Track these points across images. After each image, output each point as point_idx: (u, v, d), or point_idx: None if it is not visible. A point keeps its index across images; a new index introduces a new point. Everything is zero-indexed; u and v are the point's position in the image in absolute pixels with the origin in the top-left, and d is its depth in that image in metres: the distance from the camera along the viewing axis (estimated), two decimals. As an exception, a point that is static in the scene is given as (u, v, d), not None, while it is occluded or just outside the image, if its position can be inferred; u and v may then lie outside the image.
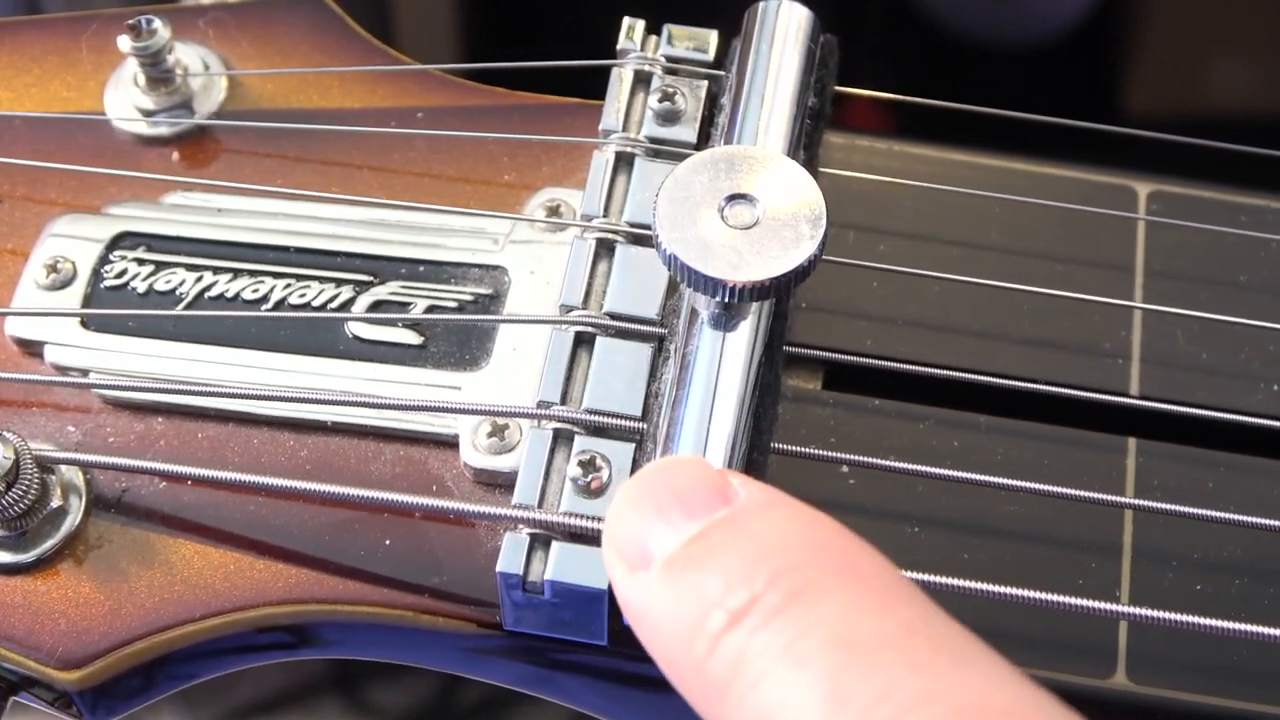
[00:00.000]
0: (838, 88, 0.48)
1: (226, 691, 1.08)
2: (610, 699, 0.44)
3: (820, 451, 0.42)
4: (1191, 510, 0.41)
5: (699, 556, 0.33)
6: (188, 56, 0.49)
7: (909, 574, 0.38)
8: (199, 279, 0.46)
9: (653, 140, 0.46)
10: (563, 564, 0.39)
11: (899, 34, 1.10)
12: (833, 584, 0.31)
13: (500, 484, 0.42)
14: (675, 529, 0.33)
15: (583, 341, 0.42)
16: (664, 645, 0.33)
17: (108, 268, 0.46)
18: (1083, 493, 0.41)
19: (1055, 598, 0.38)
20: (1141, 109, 1.05)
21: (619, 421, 0.41)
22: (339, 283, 0.46)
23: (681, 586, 0.32)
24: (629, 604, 0.34)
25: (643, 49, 0.47)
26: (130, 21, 0.47)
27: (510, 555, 0.39)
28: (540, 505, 0.40)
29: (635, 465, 0.40)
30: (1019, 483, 0.41)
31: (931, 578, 0.38)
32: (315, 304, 0.45)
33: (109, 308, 0.45)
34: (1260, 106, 1.05)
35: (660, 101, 0.46)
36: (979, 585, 0.38)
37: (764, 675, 0.30)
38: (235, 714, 1.09)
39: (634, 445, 0.40)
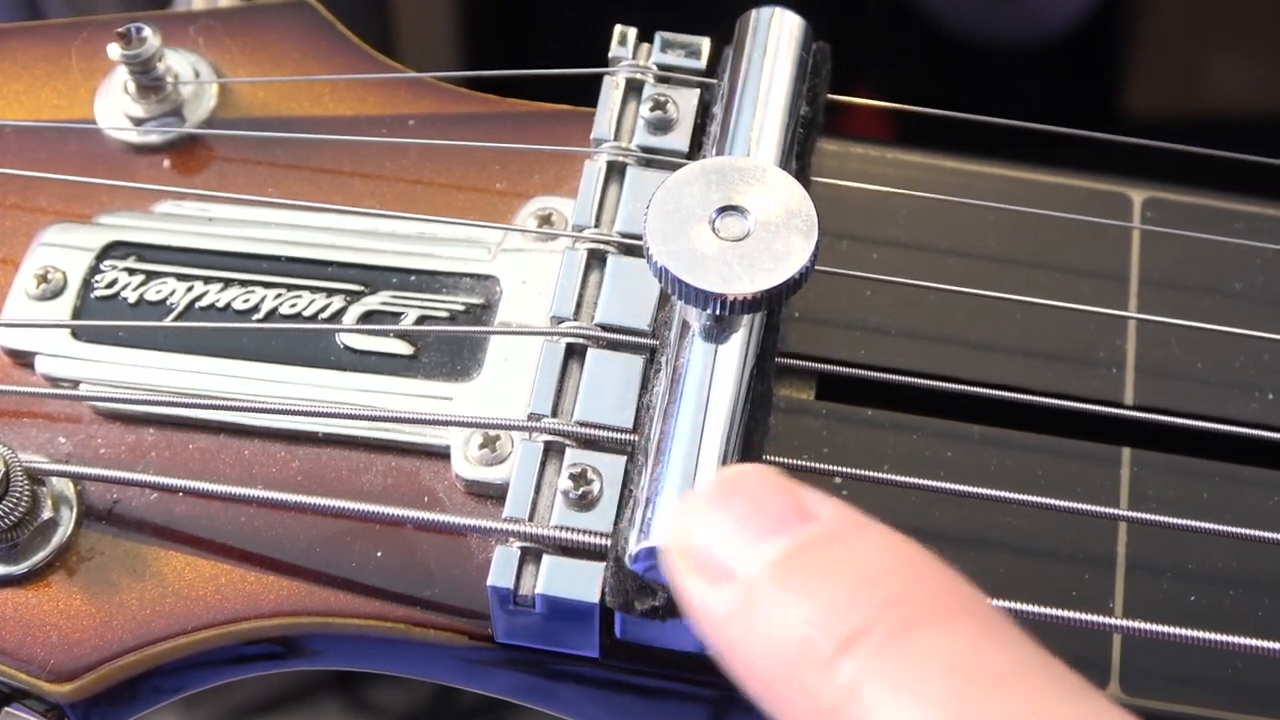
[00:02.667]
0: (832, 96, 0.47)
1: (226, 692, 1.08)
2: (606, 708, 0.44)
3: (813, 464, 0.42)
4: (1186, 523, 0.41)
5: (799, 575, 0.32)
6: (178, 64, 0.49)
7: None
8: (190, 289, 0.46)
9: (644, 149, 0.45)
10: (553, 578, 0.39)
11: (898, 34, 1.10)
12: (945, 616, 0.31)
13: (492, 495, 0.42)
14: (762, 543, 0.32)
15: (574, 353, 0.42)
16: (757, 665, 0.32)
17: (98, 278, 0.46)
18: (1076, 505, 0.41)
19: (1048, 610, 0.38)
20: (1141, 110, 1.05)
21: (610, 434, 0.41)
22: (330, 293, 0.45)
23: (783, 606, 0.31)
24: (711, 617, 0.33)
25: (635, 57, 0.47)
26: (120, 29, 0.47)
27: (501, 569, 0.39)
28: (531, 518, 0.40)
29: (626, 478, 0.40)
30: (1013, 494, 0.41)
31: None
32: (306, 314, 0.45)
33: (100, 318, 0.45)
34: (1261, 107, 1.05)
35: (652, 110, 0.46)
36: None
37: (880, 704, 0.30)
38: (235, 714, 1.09)
39: (625, 458, 0.40)
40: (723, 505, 0.33)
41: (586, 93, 0.47)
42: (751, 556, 0.32)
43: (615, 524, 0.39)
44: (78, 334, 0.45)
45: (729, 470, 0.35)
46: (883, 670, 0.30)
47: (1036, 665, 0.31)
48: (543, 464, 0.40)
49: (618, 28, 0.47)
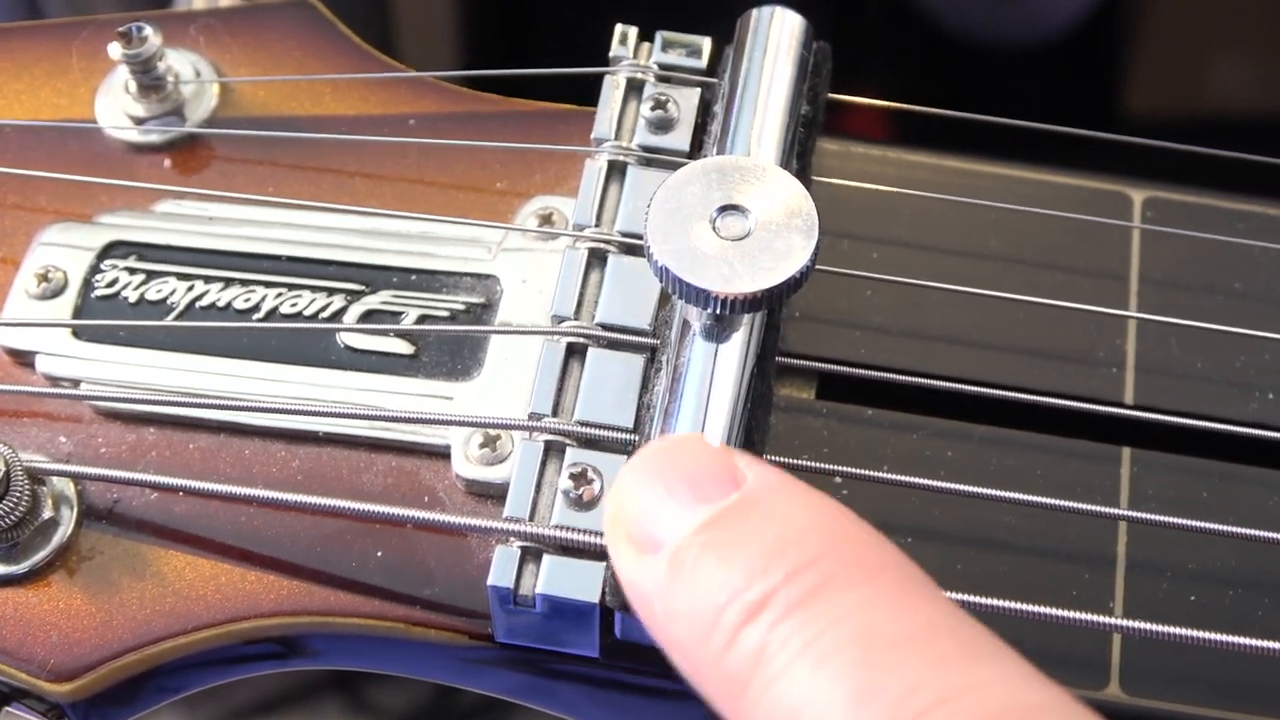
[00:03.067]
0: (833, 95, 0.47)
1: (227, 692, 1.08)
2: (606, 708, 0.44)
3: (813, 463, 0.42)
4: (1186, 522, 0.41)
5: (714, 544, 0.32)
6: (179, 63, 0.49)
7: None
8: (190, 288, 0.46)
9: (645, 148, 0.45)
10: (554, 577, 0.39)
11: (898, 34, 1.10)
12: (854, 579, 0.31)
13: (492, 495, 0.42)
14: (687, 512, 0.33)
15: (574, 352, 0.42)
16: (677, 635, 0.32)
17: (99, 277, 0.46)
18: (1077, 504, 0.41)
19: (1049, 610, 0.38)
20: (1141, 110, 1.05)
21: (611, 434, 0.41)
22: (331, 292, 0.45)
23: (697, 575, 0.32)
24: (637, 589, 0.33)
25: (635, 56, 0.47)
26: (121, 29, 0.47)
27: (501, 568, 0.39)
28: (531, 518, 0.40)
29: (627, 477, 0.40)
30: (1013, 494, 0.41)
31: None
32: (307, 314, 0.45)
33: (100, 317, 0.45)
34: (1261, 107, 1.05)
35: (653, 109, 0.46)
36: (972, 598, 0.38)
37: (785, 671, 0.30)
38: (236, 714, 1.09)
39: (626, 457, 0.40)
40: (654, 474, 0.33)
41: (587, 92, 0.47)
42: (676, 525, 0.32)
43: (616, 523, 0.39)
44: (78, 333, 0.45)
45: (663, 439, 0.35)
46: (789, 637, 0.30)
47: (947, 627, 0.30)
48: (543, 463, 0.40)
49: (618, 27, 0.47)
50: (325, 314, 0.45)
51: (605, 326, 0.42)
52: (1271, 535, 0.41)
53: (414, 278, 0.46)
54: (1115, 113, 1.05)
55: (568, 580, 0.39)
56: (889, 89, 1.03)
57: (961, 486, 0.41)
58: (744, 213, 0.38)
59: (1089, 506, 0.41)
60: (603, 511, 0.35)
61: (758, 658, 0.30)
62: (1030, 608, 0.38)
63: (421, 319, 0.45)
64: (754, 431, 0.39)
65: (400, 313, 0.45)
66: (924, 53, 1.10)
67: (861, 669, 0.29)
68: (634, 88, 0.47)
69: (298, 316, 0.45)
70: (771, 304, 0.38)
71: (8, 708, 0.42)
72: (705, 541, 0.32)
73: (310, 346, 0.44)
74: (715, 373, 0.39)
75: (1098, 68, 1.07)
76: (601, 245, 0.44)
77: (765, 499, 0.33)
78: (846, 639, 0.30)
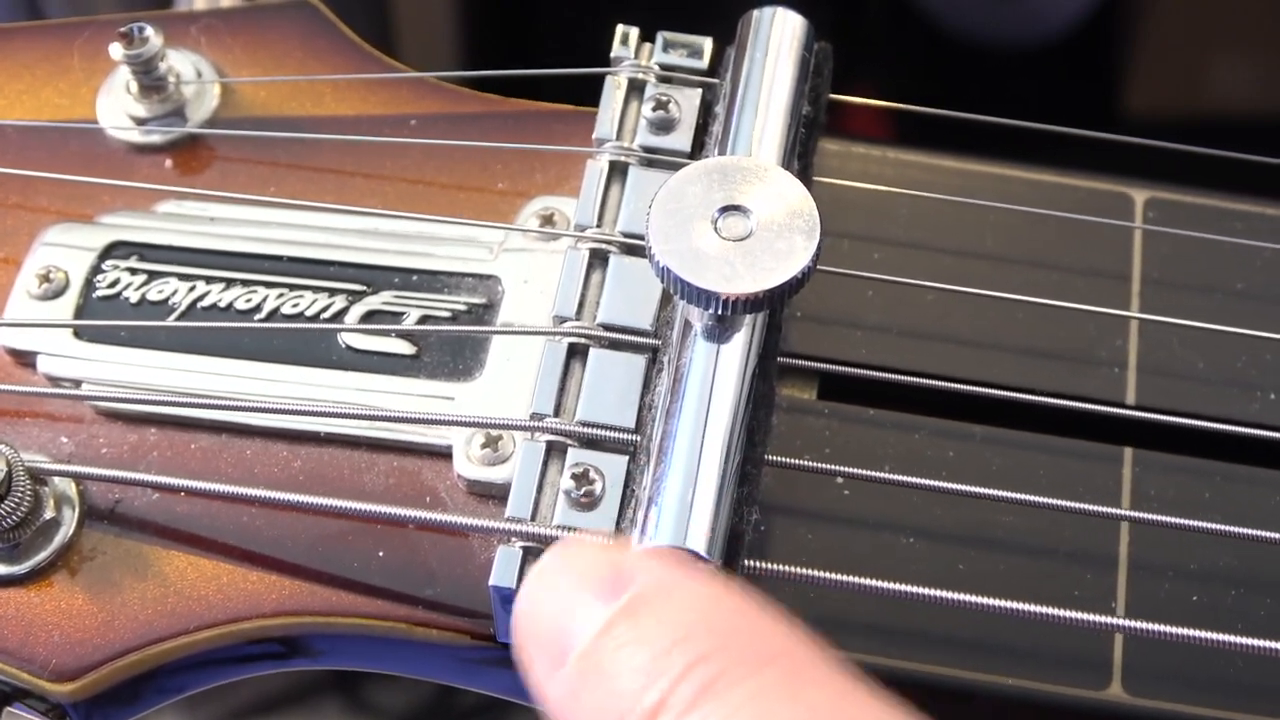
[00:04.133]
0: (834, 95, 0.47)
1: (227, 692, 1.08)
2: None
3: (815, 463, 0.42)
4: (1188, 522, 0.41)
5: (608, 651, 0.32)
6: (180, 64, 0.49)
7: (903, 586, 0.38)
8: (192, 289, 0.46)
9: (646, 149, 0.45)
10: (556, 577, 0.39)
11: (899, 34, 1.10)
12: (742, 672, 0.31)
13: (494, 495, 0.42)
14: (585, 619, 0.33)
15: (576, 353, 0.42)
16: None
17: (100, 277, 0.46)
18: (1078, 505, 0.41)
19: (1050, 610, 0.38)
20: (1141, 110, 1.05)
21: (612, 434, 0.41)
22: (332, 292, 0.45)
23: (597, 686, 0.32)
24: (550, 704, 0.33)
25: (636, 57, 0.47)
26: (122, 29, 0.47)
27: (503, 568, 0.39)
28: (533, 518, 0.40)
29: (629, 478, 0.40)
30: (1015, 494, 0.41)
31: (927, 590, 0.38)
32: (308, 314, 0.45)
33: (101, 318, 0.45)
34: (1261, 107, 1.05)
35: (654, 110, 0.46)
36: (974, 598, 0.38)
37: None
38: (236, 714, 1.08)
39: (627, 458, 0.40)
40: (555, 581, 0.34)
41: (588, 93, 0.47)
42: (577, 634, 0.33)
43: (617, 524, 0.39)
44: (80, 334, 0.45)
45: (560, 543, 0.35)
46: None
47: (836, 711, 0.30)
48: (545, 464, 0.40)
49: (619, 27, 0.47)
50: (327, 314, 0.45)
51: (607, 327, 0.42)
52: (1273, 535, 0.41)
53: (415, 278, 0.46)
54: (1115, 113, 1.05)
55: (570, 580, 0.38)
56: (889, 89, 1.03)
57: (963, 486, 0.41)
58: (745, 213, 0.38)
59: (1091, 507, 0.41)
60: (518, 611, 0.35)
61: None
62: (1032, 608, 0.38)
63: (423, 319, 0.45)
64: (755, 432, 0.39)
65: (402, 313, 0.45)
66: (924, 53, 1.10)
67: None
68: (635, 88, 0.47)
69: (299, 317, 0.45)
70: (773, 304, 0.38)
71: (9, 708, 0.42)
72: (600, 648, 0.32)
73: (312, 347, 0.44)
74: (717, 373, 0.39)
75: (1098, 68, 1.07)
76: (603, 246, 0.44)
77: (652, 599, 0.33)
78: None
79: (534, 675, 0.34)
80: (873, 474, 0.42)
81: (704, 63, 0.47)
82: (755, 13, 0.46)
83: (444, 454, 0.43)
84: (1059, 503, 0.41)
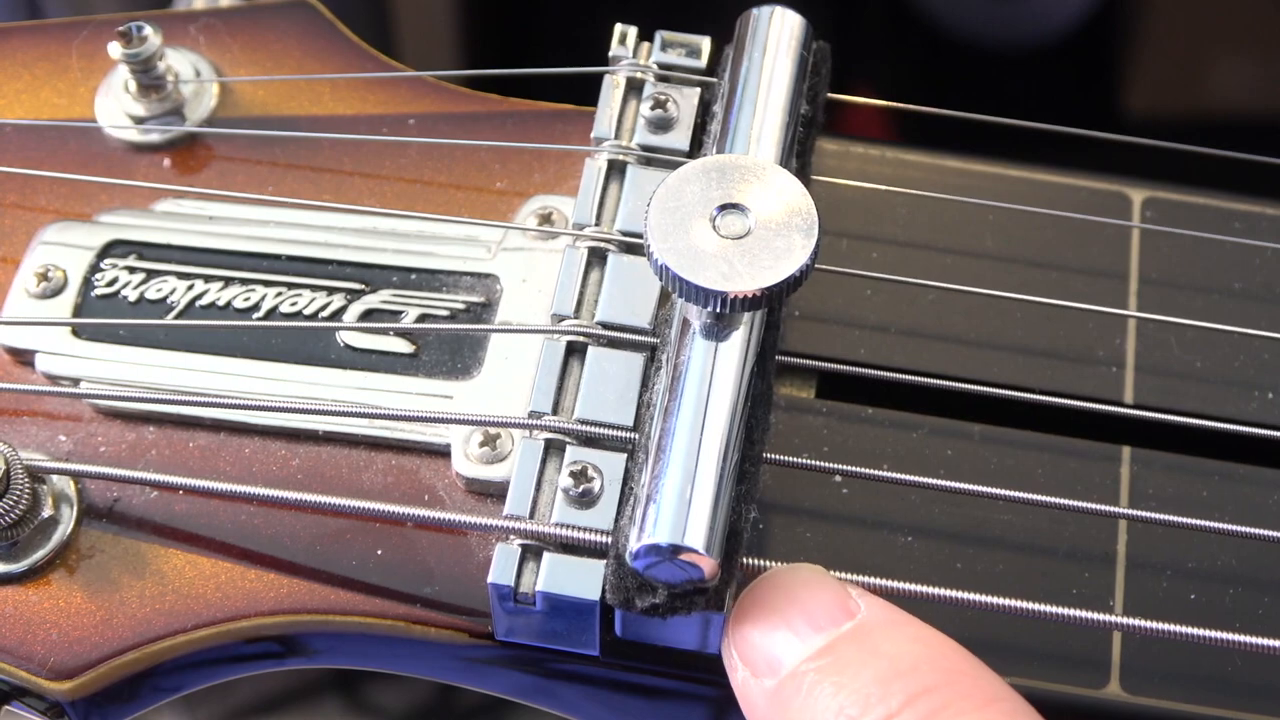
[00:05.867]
0: (832, 94, 0.47)
1: (227, 691, 1.08)
2: (606, 707, 0.44)
3: (813, 462, 0.42)
4: (1186, 521, 0.41)
5: (831, 670, 0.34)
6: (179, 63, 0.49)
7: (903, 585, 0.38)
8: (190, 287, 0.46)
9: (645, 148, 0.45)
10: (554, 575, 0.39)
11: (898, 34, 1.10)
12: (966, 708, 0.32)
13: (492, 494, 0.42)
14: (801, 640, 0.35)
15: (574, 351, 0.42)
16: None
17: (99, 276, 0.46)
18: (1076, 503, 0.41)
19: (1049, 609, 0.38)
20: (1141, 110, 1.05)
21: (611, 432, 0.41)
22: (330, 291, 0.45)
23: (815, 699, 0.33)
24: (754, 709, 0.35)
25: (635, 56, 0.47)
26: (121, 28, 0.47)
27: (501, 566, 0.39)
28: (532, 516, 0.40)
29: (627, 475, 0.40)
30: (1013, 492, 0.41)
31: (925, 588, 0.38)
32: (307, 313, 0.45)
33: (100, 316, 0.45)
34: (1261, 107, 1.05)
35: (652, 109, 0.46)
36: (973, 596, 0.38)
37: None
38: (236, 714, 1.09)
39: (626, 456, 0.40)
40: (772, 603, 0.36)
41: (587, 92, 0.47)
42: (794, 651, 0.35)
43: (616, 521, 0.39)
44: (78, 332, 0.45)
45: (781, 569, 0.37)
46: None
47: None
48: (543, 461, 0.40)
49: (618, 27, 0.47)
50: (325, 313, 0.45)
51: (605, 325, 0.42)
52: (1271, 534, 0.41)
53: (414, 277, 0.46)
54: (1115, 113, 1.05)
55: (568, 578, 0.39)
56: (888, 89, 1.03)
57: (961, 485, 0.41)
58: (744, 211, 0.38)
59: (1089, 505, 0.42)
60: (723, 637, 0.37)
61: None
62: (1031, 606, 0.38)
63: (421, 318, 0.45)
64: (754, 430, 0.39)
65: (400, 312, 0.45)
66: (924, 52, 1.10)
67: None
68: (634, 87, 0.47)
69: (298, 315, 0.45)
70: (771, 302, 0.38)
71: (8, 706, 0.42)
72: (822, 667, 0.34)
73: (310, 345, 0.44)
74: (715, 371, 0.39)
75: (1098, 68, 1.07)
76: (601, 244, 0.44)
77: (877, 629, 0.35)
78: None
79: (738, 682, 0.36)
80: (871, 472, 0.42)
81: (702, 62, 0.47)
82: (753, 12, 0.46)
83: (442, 452, 0.43)
84: (1057, 501, 0.41)
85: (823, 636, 0.35)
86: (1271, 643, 0.37)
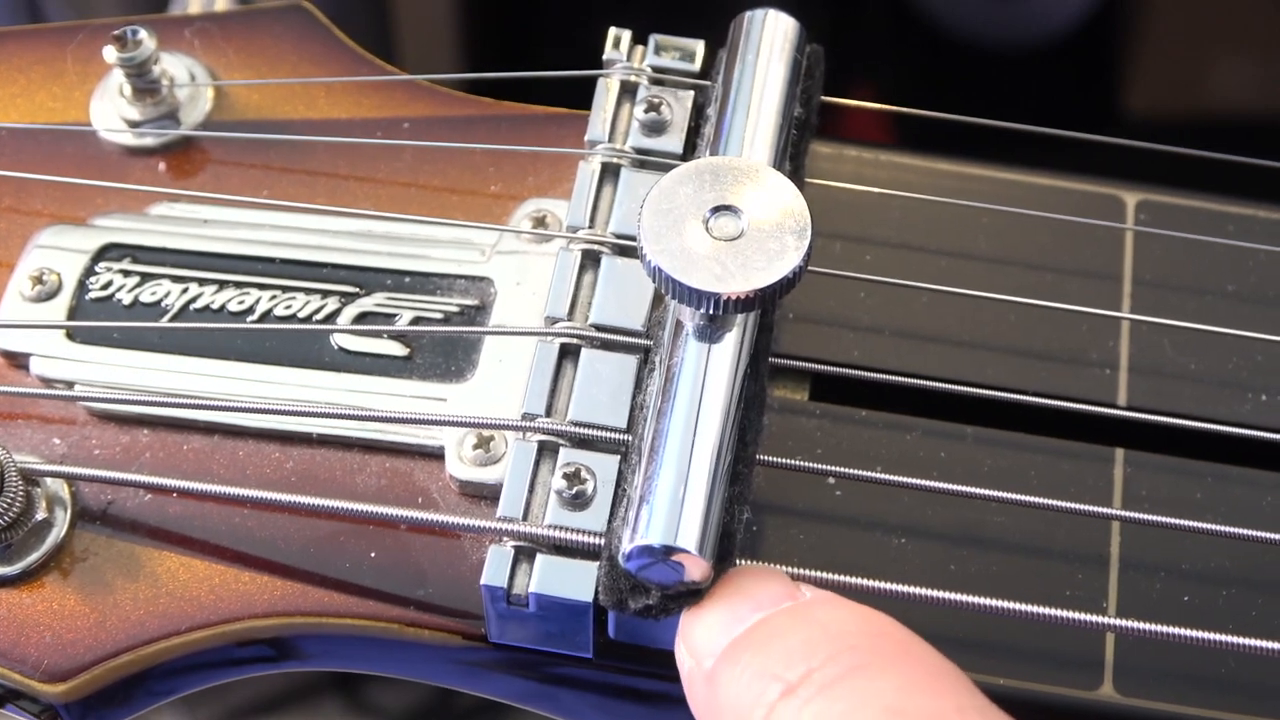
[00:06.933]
0: (826, 98, 0.47)
1: (226, 692, 1.08)
2: (600, 709, 0.44)
3: (806, 463, 0.42)
4: (1179, 522, 0.41)
5: (763, 638, 0.34)
6: (174, 67, 0.49)
7: (895, 586, 0.38)
8: (184, 290, 0.46)
9: (639, 151, 0.46)
10: (547, 577, 0.39)
11: (897, 35, 1.10)
12: (888, 664, 0.33)
13: (486, 496, 0.42)
14: (742, 622, 0.35)
15: (568, 353, 0.42)
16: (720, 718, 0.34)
17: (93, 279, 0.46)
18: (1070, 504, 0.41)
19: (1042, 610, 0.38)
20: (1141, 110, 1.05)
21: (604, 434, 0.41)
22: (325, 294, 0.45)
23: (743, 664, 0.34)
24: (696, 696, 0.35)
25: (629, 59, 0.47)
26: (116, 32, 0.47)
27: (495, 568, 0.39)
28: (525, 518, 0.40)
29: (620, 477, 0.40)
30: (1006, 494, 0.41)
31: (918, 590, 0.38)
32: (301, 316, 0.45)
33: (95, 319, 0.45)
34: (1261, 108, 1.05)
35: (646, 112, 0.46)
36: (966, 597, 0.38)
37: None
38: (235, 714, 1.09)
39: (619, 457, 0.40)
40: (720, 596, 0.37)
41: (581, 95, 0.47)
42: (732, 633, 0.35)
43: (609, 523, 0.39)
44: (73, 335, 0.45)
45: (737, 568, 0.38)
46: (821, 712, 0.32)
47: (976, 709, 0.31)
48: (536, 464, 0.40)
49: (612, 30, 0.47)
50: (319, 316, 0.45)
51: (599, 327, 0.42)
52: (1264, 535, 0.41)
53: (408, 280, 0.46)
54: (1115, 113, 1.05)
55: (561, 579, 0.39)
56: (888, 90, 1.03)
57: (955, 487, 0.41)
58: (737, 213, 0.38)
59: (1082, 506, 0.42)
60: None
61: None
62: (1024, 607, 0.38)
63: (415, 321, 0.45)
64: (747, 432, 0.40)
65: (394, 314, 0.45)
66: (923, 53, 1.10)
67: None
68: (627, 90, 0.47)
69: (292, 318, 0.45)
70: (764, 304, 0.38)
71: (2, 709, 0.42)
72: (754, 639, 0.35)
73: (304, 348, 0.45)
74: (708, 373, 0.39)
75: (1098, 68, 1.07)
76: (595, 247, 0.44)
77: (815, 605, 0.35)
78: (877, 716, 0.31)
79: (683, 671, 0.37)
80: (864, 474, 0.42)
81: (696, 65, 0.47)
82: (747, 15, 0.46)
83: (436, 455, 0.43)
84: (1050, 503, 0.41)
85: (761, 614, 0.35)
86: (1265, 644, 0.37)
